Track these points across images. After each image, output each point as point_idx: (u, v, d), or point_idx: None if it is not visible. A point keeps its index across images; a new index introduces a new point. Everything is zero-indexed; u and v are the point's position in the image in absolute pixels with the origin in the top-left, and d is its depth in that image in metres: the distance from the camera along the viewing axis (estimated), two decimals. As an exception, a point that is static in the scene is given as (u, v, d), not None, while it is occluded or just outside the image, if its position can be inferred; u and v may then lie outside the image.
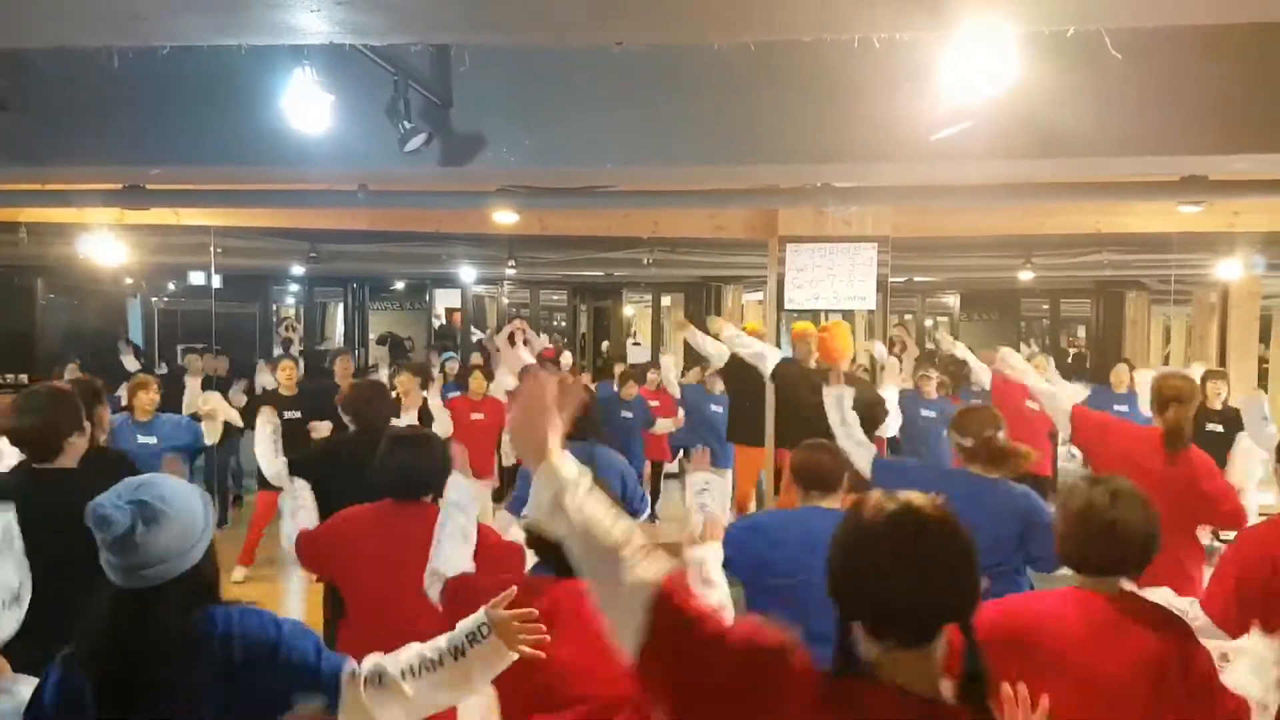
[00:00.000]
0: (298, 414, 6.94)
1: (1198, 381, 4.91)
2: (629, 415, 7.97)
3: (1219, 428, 6.22)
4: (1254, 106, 3.41)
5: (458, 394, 8.48)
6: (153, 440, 6.05)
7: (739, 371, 5.87)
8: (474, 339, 14.01)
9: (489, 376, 7.83)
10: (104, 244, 7.23)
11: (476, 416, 7.52)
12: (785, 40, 3.48)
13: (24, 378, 9.84)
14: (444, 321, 16.25)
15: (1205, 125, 3.48)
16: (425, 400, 6.73)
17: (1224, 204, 5.99)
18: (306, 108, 3.51)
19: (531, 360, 9.23)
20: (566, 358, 11.32)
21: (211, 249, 7.68)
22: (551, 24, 3.15)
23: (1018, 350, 13.14)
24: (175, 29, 3.02)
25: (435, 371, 9.22)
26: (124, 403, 6.17)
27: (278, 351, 13.16)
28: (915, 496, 1.38)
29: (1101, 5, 2.88)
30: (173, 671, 1.77)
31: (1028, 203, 5.91)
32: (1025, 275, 9.16)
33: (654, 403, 8.34)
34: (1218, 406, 6.58)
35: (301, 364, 8.35)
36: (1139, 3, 2.90)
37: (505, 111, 3.75)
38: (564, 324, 16.53)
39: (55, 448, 2.98)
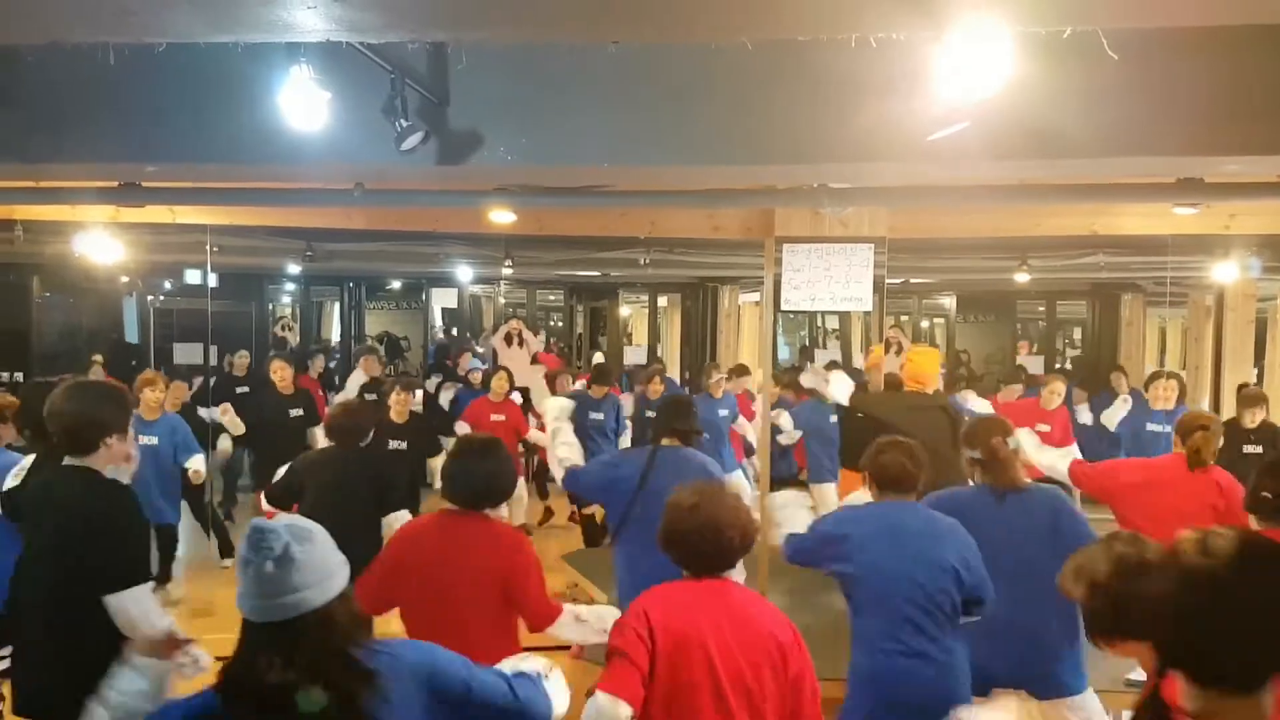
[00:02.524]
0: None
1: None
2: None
3: (1257, 449, 6.18)
4: (1251, 108, 3.41)
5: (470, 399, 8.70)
6: (154, 440, 6.06)
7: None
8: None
9: (510, 379, 8.11)
10: (100, 242, 7.21)
11: (497, 418, 7.86)
12: (782, 40, 3.47)
13: (19, 376, 9.82)
14: (442, 326, 16.24)
15: (1202, 127, 3.48)
16: (413, 413, 6.89)
17: (1220, 206, 5.99)
18: (303, 105, 3.49)
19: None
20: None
21: (208, 247, 7.66)
22: (549, 22, 3.14)
23: (1016, 353, 13.13)
24: (170, 26, 3.01)
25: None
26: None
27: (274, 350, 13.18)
28: (1246, 533, 1.33)
29: (1099, 6, 2.87)
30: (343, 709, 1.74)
31: (1024, 204, 5.91)
32: (1021, 277, 9.17)
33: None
34: (1253, 426, 6.50)
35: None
36: (1137, 3, 2.90)
37: (502, 110, 3.75)
38: (560, 324, 16.52)
39: (93, 445, 2.90)
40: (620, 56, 3.59)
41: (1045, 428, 7.33)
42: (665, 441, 4.35)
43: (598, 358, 12.01)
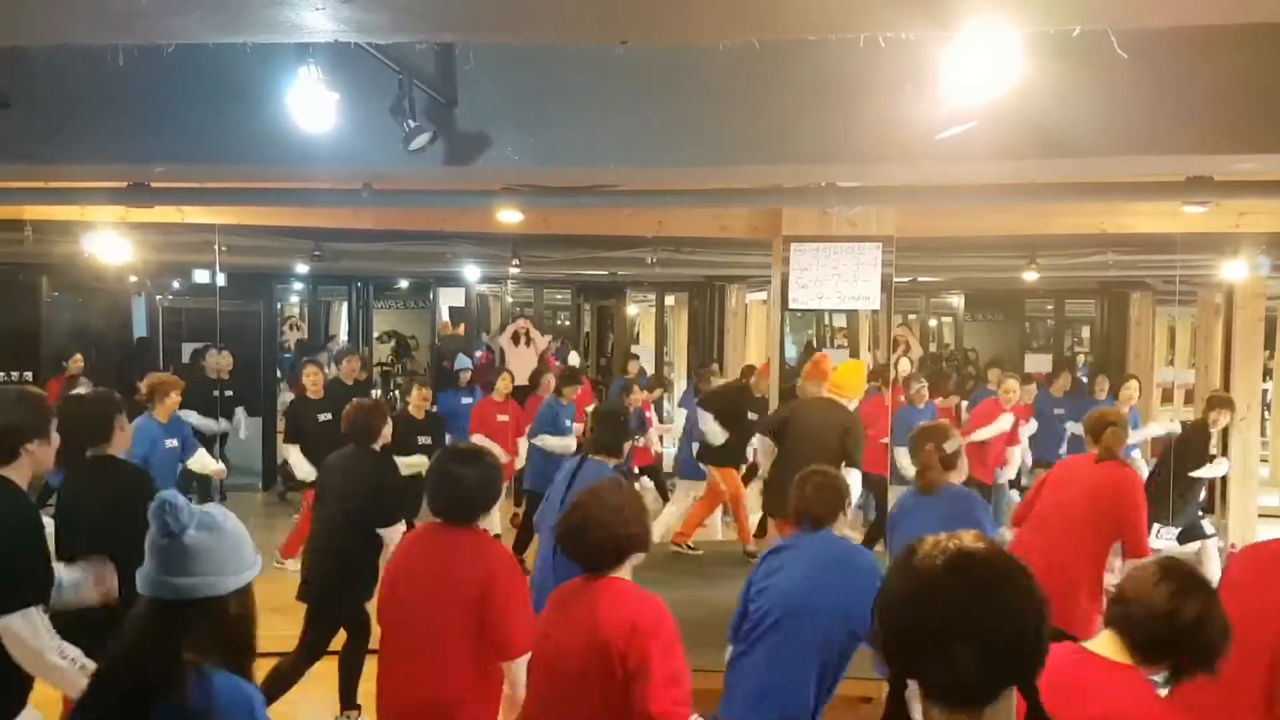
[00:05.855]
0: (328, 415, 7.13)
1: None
2: None
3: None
4: (1260, 107, 3.39)
5: (470, 400, 8.78)
6: (175, 443, 6.06)
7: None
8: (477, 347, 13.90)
9: (513, 380, 8.24)
10: (108, 242, 7.24)
11: (502, 418, 8.05)
12: (790, 40, 3.47)
13: (29, 375, 9.85)
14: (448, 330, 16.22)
15: (1211, 126, 3.47)
16: (429, 410, 6.92)
17: (1229, 205, 5.97)
18: (311, 106, 3.50)
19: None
20: (574, 358, 11.34)
21: (216, 247, 7.67)
22: (557, 23, 3.15)
23: (1023, 352, 13.13)
24: (179, 27, 3.02)
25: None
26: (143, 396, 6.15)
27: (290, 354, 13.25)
28: (971, 538, 1.22)
29: (1108, 5, 2.87)
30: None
31: (1032, 203, 5.90)
32: (1030, 275, 9.14)
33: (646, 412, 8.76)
34: (1216, 430, 6.57)
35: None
36: (1146, 2, 2.89)
37: (510, 110, 3.75)
38: (568, 323, 16.53)
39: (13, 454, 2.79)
40: (628, 57, 3.59)
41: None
42: (595, 456, 4.40)
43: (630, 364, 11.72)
